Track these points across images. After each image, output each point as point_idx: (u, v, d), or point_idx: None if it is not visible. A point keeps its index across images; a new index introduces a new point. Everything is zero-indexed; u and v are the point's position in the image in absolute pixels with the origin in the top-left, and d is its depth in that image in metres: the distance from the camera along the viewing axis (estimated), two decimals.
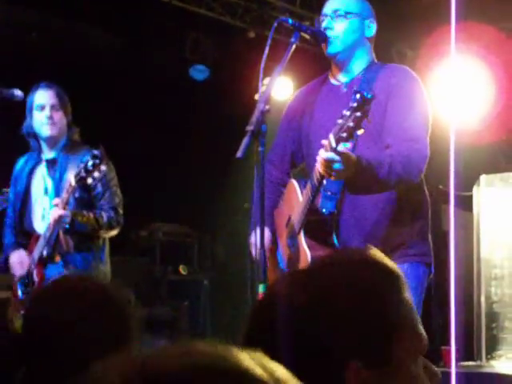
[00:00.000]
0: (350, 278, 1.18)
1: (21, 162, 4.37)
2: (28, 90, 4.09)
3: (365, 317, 1.14)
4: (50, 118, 4.15)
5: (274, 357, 0.86)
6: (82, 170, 3.81)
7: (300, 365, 1.03)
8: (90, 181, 3.85)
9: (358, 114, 2.65)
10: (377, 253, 1.23)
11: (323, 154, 2.76)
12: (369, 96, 2.65)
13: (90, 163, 3.79)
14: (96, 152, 3.81)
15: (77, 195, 4.04)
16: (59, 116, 4.18)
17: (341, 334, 1.12)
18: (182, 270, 7.03)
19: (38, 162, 4.28)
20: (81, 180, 3.83)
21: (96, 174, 3.81)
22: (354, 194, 3.05)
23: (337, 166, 2.76)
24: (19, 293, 4.17)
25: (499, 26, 5.84)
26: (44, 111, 4.16)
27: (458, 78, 5.43)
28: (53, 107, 4.16)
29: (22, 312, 4.43)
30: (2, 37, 5.96)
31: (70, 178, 3.85)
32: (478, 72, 5.83)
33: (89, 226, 4.07)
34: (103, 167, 3.81)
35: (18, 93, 3.98)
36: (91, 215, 4.09)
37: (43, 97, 4.18)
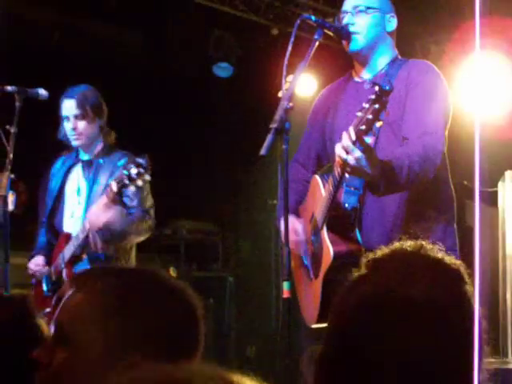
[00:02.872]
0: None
1: (59, 161, 4.39)
2: (52, 89, 4.10)
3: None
4: (74, 129, 4.15)
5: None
6: (125, 178, 3.70)
7: None
8: (132, 189, 3.78)
9: (377, 105, 2.64)
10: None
11: (343, 142, 2.75)
12: (387, 88, 2.64)
13: (135, 172, 3.67)
14: (141, 161, 3.69)
15: None
16: (83, 125, 4.16)
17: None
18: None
19: (75, 162, 4.30)
20: (123, 187, 3.75)
21: (139, 183, 3.73)
22: (377, 195, 3.01)
23: (359, 157, 2.75)
24: (44, 288, 4.20)
25: None
26: (69, 123, 4.17)
27: (483, 73, 5.39)
28: (76, 117, 4.15)
29: (48, 310, 4.42)
30: (25, 37, 6.00)
31: (112, 184, 3.76)
32: (503, 67, 5.78)
33: (129, 233, 4.08)
34: (147, 177, 3.71)
35: (43, 92, 3.99)
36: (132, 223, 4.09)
37: (66, 108, 4.18)
